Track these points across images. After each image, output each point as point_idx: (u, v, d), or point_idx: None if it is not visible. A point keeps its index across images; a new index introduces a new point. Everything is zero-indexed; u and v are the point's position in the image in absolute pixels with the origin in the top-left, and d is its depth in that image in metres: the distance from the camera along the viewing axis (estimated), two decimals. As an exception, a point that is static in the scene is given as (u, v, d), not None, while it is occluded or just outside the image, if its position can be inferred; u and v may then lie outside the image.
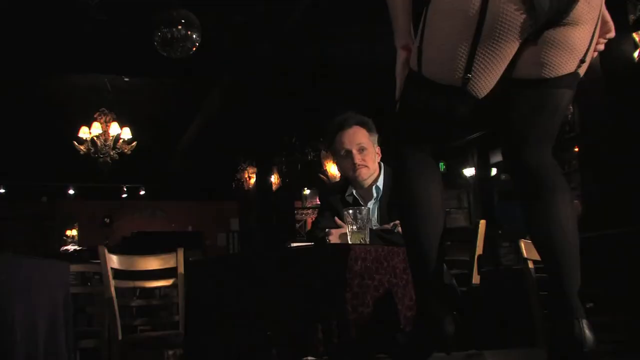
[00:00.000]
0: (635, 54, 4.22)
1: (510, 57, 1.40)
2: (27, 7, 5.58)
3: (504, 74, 1.43)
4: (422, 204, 1.48)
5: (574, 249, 1.41)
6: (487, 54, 1.37)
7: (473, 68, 1.38)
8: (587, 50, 1.43)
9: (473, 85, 1.41)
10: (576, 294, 1.35)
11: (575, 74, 1.45)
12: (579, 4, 1.35)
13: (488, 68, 1.39)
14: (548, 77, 1.43)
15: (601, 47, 1.52)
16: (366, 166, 2.48)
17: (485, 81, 1.41)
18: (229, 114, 8.44)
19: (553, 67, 1.42)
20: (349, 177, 2.53)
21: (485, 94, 1.44)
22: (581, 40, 1.41)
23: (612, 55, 4.14)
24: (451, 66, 1.39)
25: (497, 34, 1.34)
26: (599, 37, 1.49)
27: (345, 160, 2.50)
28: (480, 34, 1.34)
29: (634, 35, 4.26)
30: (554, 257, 1.41)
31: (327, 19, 6.12)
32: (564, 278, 1.37)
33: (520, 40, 1.37)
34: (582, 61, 1.43)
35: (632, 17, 4.28)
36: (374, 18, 5.86)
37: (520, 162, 1.50)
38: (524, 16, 1.32)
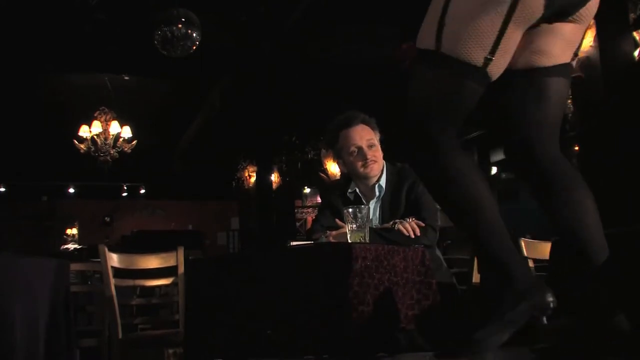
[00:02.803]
0: (636, 54, 4.21)
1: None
2: (27, 6, 5.58)
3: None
4: (486, 207, 1.38)
5: (604, 242, 1.47)
6: (511, 35, 1.34)
7: (498, 48, 1.33)
8: (579, 45, 1.51)
9: (492, 67, 1.35)
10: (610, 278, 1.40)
11: (570, 64, 1.51)
12: (590, 3, 1.40)
13: (508, 50, 1.36)
14: (545, 65, 1.45)
15: None
16: (376, 161, 2.49)
17: (502, 63, 1.38)
18: (229, 114, 8.45)
19: (552, 56, 1.45)
20: (358, 174, 2.51)
21: (496, 77, 1.40)
22: (577, 35, 1.48)
23: (612, 55, 4.13)
24: (476, 43, 1.32)
25: (525, 15, 1.32)
26: None
27: (354, 156, 2.50)
28: (514, 12, 1.30)
29: (634, 34, 4.25)
30: (592, 251, 1.45)
31: (327, 18, 6.12)
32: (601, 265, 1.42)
33: (528, 26, 1.37)
34: (576, 54, 1.50)
35: (632, 16, 4.27)
36: (374, 18, 5.91)
37: (532, 158, 1.49)
38: (544, 1, 1.32)
